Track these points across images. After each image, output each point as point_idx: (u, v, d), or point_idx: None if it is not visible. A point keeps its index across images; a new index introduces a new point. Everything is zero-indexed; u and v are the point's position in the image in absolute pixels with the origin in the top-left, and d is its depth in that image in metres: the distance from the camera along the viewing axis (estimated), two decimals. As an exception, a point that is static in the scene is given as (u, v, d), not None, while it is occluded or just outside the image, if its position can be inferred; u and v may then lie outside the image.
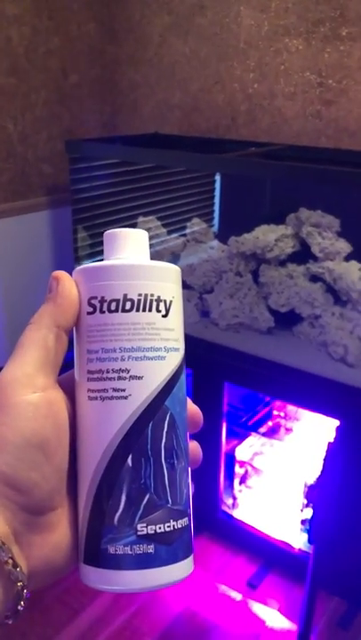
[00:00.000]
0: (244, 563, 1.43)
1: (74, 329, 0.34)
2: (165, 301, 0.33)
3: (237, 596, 1.35)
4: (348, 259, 1.32)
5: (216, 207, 1.82)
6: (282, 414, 1.60)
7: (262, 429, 1.56)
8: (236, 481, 1.49)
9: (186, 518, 0.33)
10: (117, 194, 1.55)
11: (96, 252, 1.55)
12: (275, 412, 1.62)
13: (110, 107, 1.85)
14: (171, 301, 0.34)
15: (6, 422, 0.30)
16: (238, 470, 1.48)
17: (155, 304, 0.33)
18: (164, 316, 0.33)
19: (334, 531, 1.25)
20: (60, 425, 0.32)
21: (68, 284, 0.34)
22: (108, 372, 0.32)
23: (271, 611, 1.31)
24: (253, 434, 1.53)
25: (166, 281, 0.34)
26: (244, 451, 1.49)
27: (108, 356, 0.32)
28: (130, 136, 1.76)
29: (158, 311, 0.33)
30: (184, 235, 1.58)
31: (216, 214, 1.82)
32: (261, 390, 1.39)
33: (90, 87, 1.77)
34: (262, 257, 1.38)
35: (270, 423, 1.59)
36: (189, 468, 0.35)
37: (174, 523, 0.32)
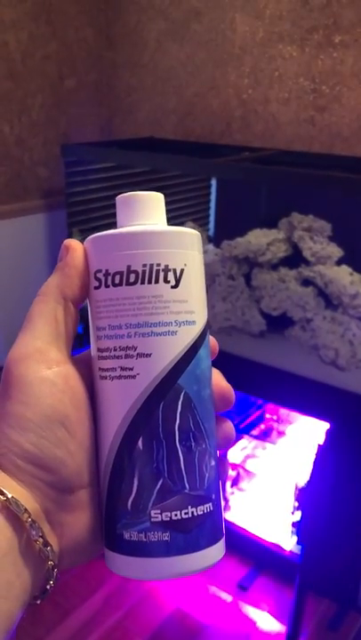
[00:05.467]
0: (235, 564, 1.44)
1: (88, 304, 0.33)
2: (175, 270, 0.31)
3: (228, 597, 1.36)
4: (339, 263, 1.33)
5: (212, 211, 1.83)
6: (274, 417, 1.61)
7: (255, 432, 1.57)
8: (228, 483, 1.50)
9: (209, 504, 0.31)
10: (113, 197, 1.56)
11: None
12: (267, 415, 1.63)
13: (106, 111, 1.87)
14: (182, 270, 0.31)
15: (24, 401, 0.29)
16: (230, 473, 1.49)
17: (162, 274, 0.30)
18: (174, 286, 0.31)
19: (324, 533, 1.26)
20: (79, 399, 0.31)
21: (77, 253, 0.32)
22: (115, 349, 0.31)
23: (262, 613, 1.32)
24: (246, 437, 1.54)
25: (176, 247, 0.31)
26: (236, 453, 1.50)
27: (114, 333, 0.31)
28: (125, 140, 1.78)
29: (167, 282, 0.31)
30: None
31: (212, 218, 1.83)
32: (253, 393, 1.40)
33: (86, 92, 1.79)
34: (255, 261, 1.40)
35: (263, 426, 1.60)
36: (216, 450, 0.32)
37: (193, 509, 0.30)
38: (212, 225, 1.83)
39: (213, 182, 1.80)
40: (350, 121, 1.46)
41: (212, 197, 1.83)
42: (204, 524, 0.30)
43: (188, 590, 1.36)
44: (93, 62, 1.79)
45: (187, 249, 0.32)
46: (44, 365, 0.30)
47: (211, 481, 0.31)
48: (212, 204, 1.83)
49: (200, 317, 0.32)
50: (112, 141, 1.77)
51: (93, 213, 1.55)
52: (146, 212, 0.33)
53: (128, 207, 0.33)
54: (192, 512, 0.30)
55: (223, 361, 1.36)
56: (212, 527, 0.31)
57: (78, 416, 0.30)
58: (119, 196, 0.34)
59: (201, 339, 0.32)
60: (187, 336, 0.31)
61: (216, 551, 0.31)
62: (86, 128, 1.82)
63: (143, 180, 1.60)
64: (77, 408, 0.30)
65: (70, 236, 1.56)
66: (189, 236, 0.32)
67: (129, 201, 0.33)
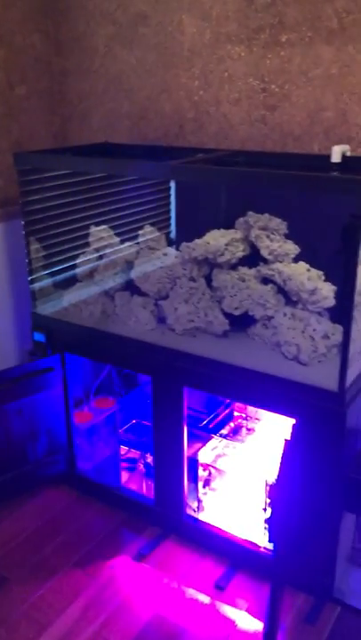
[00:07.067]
0: (211, 565, 1.44)
1: None
2: None
3: (206, 598, 1.36)
4: (296, 260, 1.34)
5: (172, 214, 1.83)
6: (243, 415, 1.62)
7: (224, 431, 1.57)
8: (200, 484, 1.50)
9: None
10: (69, 204, 1.55)
11: (50, 263, 1.54)
12: (235, 414, 1.63)
13: (59, 118, 1.85)
14: None
15: None
16: (202, 473, 1.50)
17: None
18: None
19: (296, 527, 1.27)
20: None
21: None
22: None
23: (240, 611, 1.32)
24: (215, 436, 1.54)
25: None
26: (206, 454, 1.50)
27: None
28: (80, 146, 1.77)
29: None
30: (137, 243, 1.58)
31: (172, 221, 1.84)
32: (219, 393, 1.40)
33: (38, 99, 1.77)
34: (214, 261, 1.40)
35: (232, 425, 1.61)
36: None
37: None
38: (173, 227, 1.83)
39: (172, 185, 1.80)
40: (301, 119, 1.48)
41: (172, 200, 1.83)
42: None
43: (165, 594, 1.36)
44: (43, 69, 1.77)
45: None
46: None
47: None
48: (173, 207, 1.84)
49: None
50: (66, 148, 1.76)
51: (51, 221, 1.53)
52: None
53: None
54: None
55: (189, 362, 1.35)
56: None
57: None
58: None
59: None
60: None
61: None
62: (39, 136, 1.80)
63: (99, 186, 1.59)
64: None
65: (28, 245, 1.54)
66: None
67: None
